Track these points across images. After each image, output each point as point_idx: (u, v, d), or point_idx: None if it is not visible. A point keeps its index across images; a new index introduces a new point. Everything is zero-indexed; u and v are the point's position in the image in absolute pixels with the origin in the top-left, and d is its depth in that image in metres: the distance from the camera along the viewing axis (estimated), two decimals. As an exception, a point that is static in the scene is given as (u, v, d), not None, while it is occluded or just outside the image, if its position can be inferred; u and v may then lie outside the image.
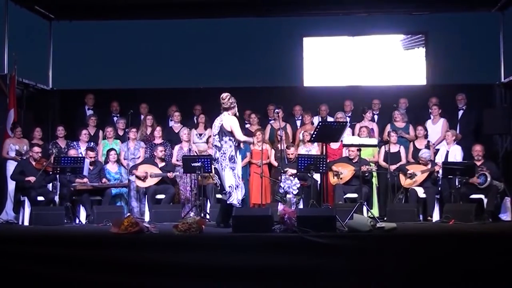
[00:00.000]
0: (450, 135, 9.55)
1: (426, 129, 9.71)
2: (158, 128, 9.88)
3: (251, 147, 9.49)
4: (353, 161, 9.22)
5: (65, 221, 8.34)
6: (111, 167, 9.42)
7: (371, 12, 11.49)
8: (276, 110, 8.88)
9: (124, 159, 9.57)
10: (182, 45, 12.85)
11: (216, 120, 7.58)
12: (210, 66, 12.64)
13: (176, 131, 10.16)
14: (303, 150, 9.55)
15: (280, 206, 6.81)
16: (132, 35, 12.56)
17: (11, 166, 9.19)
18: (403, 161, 9.52)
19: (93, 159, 9.23)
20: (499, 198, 8.74)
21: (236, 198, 7.35)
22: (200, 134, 10.09)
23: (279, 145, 8.83)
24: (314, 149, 9.55)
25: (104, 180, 9.09)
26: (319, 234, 6.01)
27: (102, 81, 12.12)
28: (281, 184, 7.85)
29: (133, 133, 9.67)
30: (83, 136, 9.71)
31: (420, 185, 9.05)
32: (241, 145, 7.59)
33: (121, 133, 10.09)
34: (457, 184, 8.58)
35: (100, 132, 10.11)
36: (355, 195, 9.00)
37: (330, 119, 10.22)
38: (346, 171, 9.17)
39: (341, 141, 8.53)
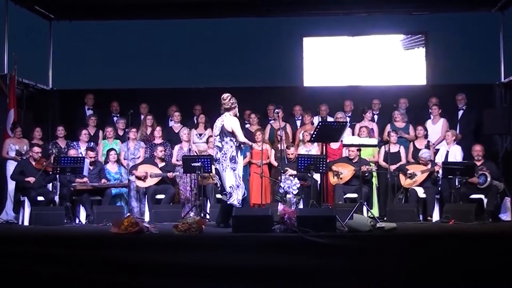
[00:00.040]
0: (450, 135, 9.55)
1: (426, 129, 9.71)
2: (158, 128, 9.88)
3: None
4: (353, 161, 9.22)
5: (65, 221, 8.34)
6: (111, 167, 9.42)
7: (371, 12, 11.49)
8: (276, 110, 8.88)
9: (124, 159, 9.57)
10: (182, 45, 12.85)
11: (217, 121, 7.59)
12: (210, 66, 12.64)
13: (176, 131, 10.16)
14: (303, 150, 9.55)
15: (280, 206, 6.81)
16: (132, 35, 12.56)
17: (11, 166, 9.19)
18: (403, 161, 9.52)
19: (93, 159, 9.23)
20: (499, 198, 8.73)
21: (236, 198, 7.36)
22: (200, 134, 10.10)
23: (279, 145, 8.83)
24: (314, 149, 9.55)
25: (103, 180, 9.08)
26: (319, 234, 6.01)
27: (102, 81, 12.12)
28: (281, 184, 7.85)
29: (133, 133, 9.67)
30: (83, 136, 9.71)
31: (420, 185, 9.05)
32: (242, 145, 7.59)
33: (121, 133, 10.09)
34: (457, 184, 8.58)
35: (100, 132, 10.11)
36: (355, 195, 9.00)
37: (330, 119, 10.22)
38: (346, 171, 9.17)
39: (341, 141, 8.53)
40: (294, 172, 8.73)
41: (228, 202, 7.36)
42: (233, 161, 7.39)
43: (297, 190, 7.82)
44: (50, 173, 8.81)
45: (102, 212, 8.36)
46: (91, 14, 11.26)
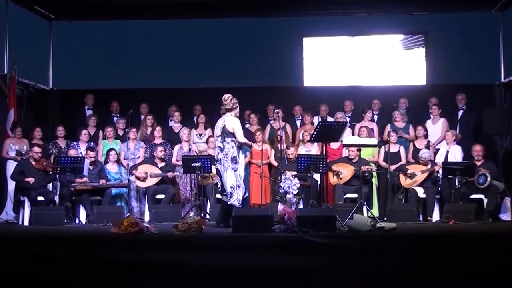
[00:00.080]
0: (450, 135, 9.55)
1: (426, 129, 9.71)
2: (158, 128, 9.88)
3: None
4: (353, 161, 9.22)
5: (65, 221, 8.34)
6: (111, 167, 9.42)
7: (371, 12, 11.49)
8: (276, 110, 8.88)
9: (124, 159, 9.57)
10: (182, 45, 12.85)
11: (218, 121, 7.60)
12: (210, 66, 12.64)
13: (176, 131, 10.16)
14: (303, 150, 9.55)
15: (280, 206, 6.81)
16: (132, 35, 12.56)
17: (11, 166, 9.19)
18: (403, 161, 9.52)
19: (93, 159, 9.22)
20: (499, 198, 8.73)
21: (236, 198, 7.36)
22: (200, 134, 10.10)
23: (279, 145, 8.83)
24: (314, 149, 9.55)
25: (101, 180, 9.06)
26: (319, 234, 6.01)
27: (102, 81, 12.12)
28: (281, 184, 7.84)
29: (133, 133, 9.67)
30: (83, 136, 9.71)
31: (420, 185, 9.05)
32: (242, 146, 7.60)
33: (121, 133, 10.09)
34: (457, 184, 8.58)
35: (100, 132, 10.11)
36: (355, 195, 9.00)
37: (330, 119, 10.22)
38: (346, 171, 9.17)
39: (341, 141, 8.53)
40: (294, 173, 8.72)
41: (229, 202, 7.36)
42: (234, 161, 7.39)
43: (297, 190, 7.82)
44: (50, 173, 8.81)
45: (102, 212, 8.36)
46: (91, 14, 11.26)
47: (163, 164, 9.36)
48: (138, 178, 9.22)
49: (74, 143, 9.72)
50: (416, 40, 12.20)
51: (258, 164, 9.16)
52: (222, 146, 7.44)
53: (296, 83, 12.27)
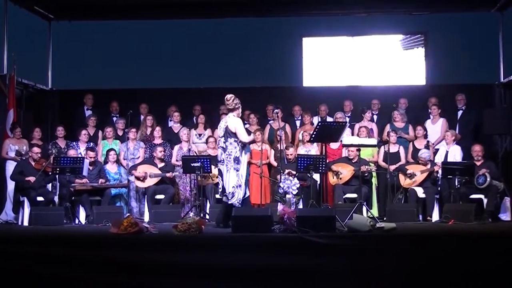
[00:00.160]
0: (449, 135, 9.55)
1: (425, 129, 9.71)
2: (158, 128, 9.88)
3: (251, 147, 9.49)
4: (353, 161, 9.22)
5: (65, 221, 8.34)
6: (111, 167, 9.42)
7: (370, 12, 11.49)
8: (275, 110, 8.88)
9: (124, 159, 9.57)
10: (182, 45, 12.85)
11: (221, 122, 7.61)
12: (210, 66, 12.63)
13: (176, 131, 10.16)
14: (302, 150, 9.55)
15: (280, 206, 6.82)
16: (132, 35, 12.55)
17: (10, 166, 9.18)
18: (403, 161, 9.52)
19: (92, 159, 9.22)
20: (498, 198, 8.73)
21: (237, 197, 7.37)
22: (200, 134, 10.10)
23: (278, 145, 8.82)
24: (313, 149, 9.55)
25: (100, 180, 9.05)
26: (318, 234, 6.01)
27: (101, 81, 12.11)
28: (281, 184, 7.84)
29: (133, 133, 9.67)
30: (82, 137, 9.71)
31: (419, 185, 9.05)
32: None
33: (120, 133, 10.09)
34: (456, 184, 8.59)
35: (100, 132, 10.11)
36: (354, 195, 9.00)
37: (329, 119, 10.22)
38: (346, 171, 9.17)
39: (341, 141, 8.53)
40: (293, 173, 8.72)
41: (229, 202, 7.36)
42: (237, 161, 7.40)
43: (297, 190, 7.81)
44: (50, 173, 8.81)
45: (102, 212, 8.36)
46: (91, 14, 11.25)
47: (162, 164, 9.36)
48: (137, 178, 9.22)
49: (74, 143, 9.72)
50: (415, 40, 12.21)
51: (258, 164, 9.15)
52: (225, 147, 7.44)
53: (295, 83, 12.27)
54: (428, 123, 10.01)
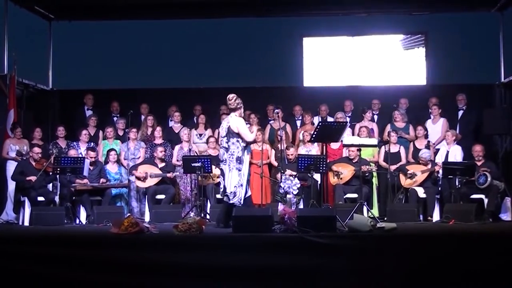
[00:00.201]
0: (450, 135, 9.55)
1: (426, 129, 9.71)
2: (158, 128, 9.88)
3: (251, 147, 9.49)
4: (353, 161, 9.22)
5: (65, 221, 8.34)
6: (111, 167, 9.42)
7: (371, 12, 11.49)
8: (276, 110, 8.87)
9: (124, 159, 9.57)
10: (182, 45, 12.85)
11: (223, 122, 7.62)
12: (210, 66, 12.64)
13: (176, 131, 10.16)
14: (303, 150, 9.55)
15: (280, 206, 6.81)
16: (132, 35, 12.56)
17: (11, 166, 9.19)
18: (403, 161, 9.52)
19: (93, 159, 9.22)
20: (499, 198, 8.73)
21: (238, 197, 7.37)
22: (200, 134, 10.10)
23: (279, 145, 8.82)
24: (314, 149, 9.55)
25: (101, 180, 9.05)
26: (319, 234, 6.01)
27: (102, 81, 12.12)
28: (281, 184, 7.84)
29: (133, 133, 9.67)
30: (83, 137, 9.71)
31: (420, 185, 9.05)
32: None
33: (121, 133, 10.09)
34: (457, 184, 8.58)
35: (100, 132, 10.11)
36: (355, 195, 9.00)
37: (330, 119, 10.22)
38: (346, 171, 9.17)
39: (341, 141, 8.53)
40: (294, 173, 8.72)
41: (231, 202, 7.37)
42: (239, 161, 7.40)
43: (297, 190, 7.81)
44: (50, 173, 8.81)
45: (102, 212, 8.36)
46: (91, 14, 11.25)
47: (163, 164, 9.36)
48: (138, 178, 9.22)
49: (74, 143, 9.72)
50: (416, 40, 12.20)
51: (258, 164, 9.15)
52: (227, 147, 7.45)
53: (296, 83, 12.27)
54: (428, 123, 10.01)
